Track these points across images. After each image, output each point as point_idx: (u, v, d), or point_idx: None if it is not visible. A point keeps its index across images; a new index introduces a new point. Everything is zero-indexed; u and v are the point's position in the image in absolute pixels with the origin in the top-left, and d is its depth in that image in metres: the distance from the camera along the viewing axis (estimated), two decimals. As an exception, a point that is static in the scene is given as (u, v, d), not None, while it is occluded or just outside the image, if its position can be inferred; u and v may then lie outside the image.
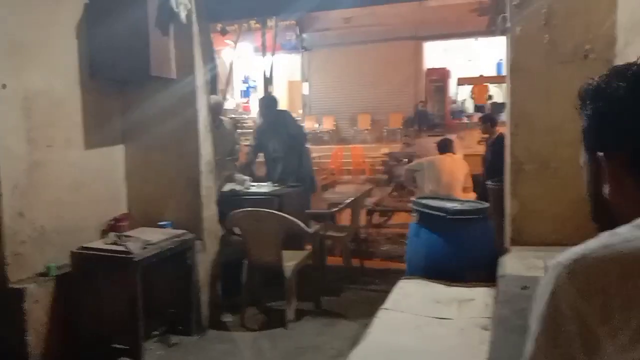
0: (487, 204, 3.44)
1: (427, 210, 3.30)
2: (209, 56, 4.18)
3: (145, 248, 3.14)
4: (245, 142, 6.76)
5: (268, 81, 7.19)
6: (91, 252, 3.13)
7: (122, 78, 3.61)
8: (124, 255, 3.04)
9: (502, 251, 3.08)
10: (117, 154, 3.77)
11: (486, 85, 15.92)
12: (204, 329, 3.67)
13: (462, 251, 3.09)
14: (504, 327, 1.93)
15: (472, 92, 15.57)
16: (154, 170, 3.76)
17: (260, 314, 4.02)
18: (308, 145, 5.87)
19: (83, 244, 3.21)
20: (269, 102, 5.44)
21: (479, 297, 2.54)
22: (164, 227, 3.56)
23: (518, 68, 3.15)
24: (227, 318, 3.90)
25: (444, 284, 2.72)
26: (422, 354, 1.95)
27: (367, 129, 16.02)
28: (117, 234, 3.28)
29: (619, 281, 0.64)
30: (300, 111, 16.33)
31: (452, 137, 9.60)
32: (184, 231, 3.50)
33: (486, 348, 1.99)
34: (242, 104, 15.52)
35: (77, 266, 3.12)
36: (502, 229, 3.34)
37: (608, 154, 0.77)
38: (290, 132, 5.12)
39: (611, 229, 0.73)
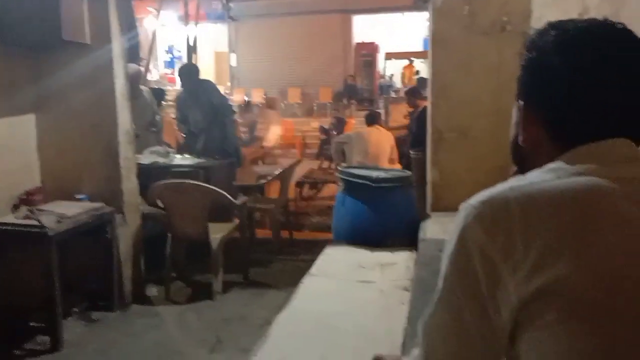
0: (410, 173, 3.54)
1: (353, 179, 3.35)
2: (129, 23, 3.98)
3: (60, 222, 2.98)
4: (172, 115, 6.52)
5: (192, 50, 6.93)
6: (2, 227, 2.94)
7: (33, 43, 3.35)
8: (37, 230, 2.88)
9: (424, 217, 3.20)
10: (28, 123, 3.52)
11: (413, 67, 16.24)
12: (127, 304, 3.56)
13: (385, 218, 3.17)
14: (422, 288, 2.00)
15: (403, 74, 15.86)
16: (69, 140, 3.56)
17: (186, 287, 3.96)
18: (235, 118, 5.74)
19: (-9, 219, 3.01)
20: (188, 70, 5.20)
21: (401, 260, 2.63)
22: (81, 201, 3.39)
23: (439, 39, 3.23)
24: (152, 292, 3.81)
25: (368, 250, 2.79)
26: (345, 316, 2.00)
27: (297, 103, 15.97)
28: (30, 207, 3.10)
29: (520, 219, 0.67)
30: (229, 83, 16.00)
31: (380, 110, 9.77)
32: (103, 204, 3.36)
33: (406, 307, 2.07)
34: (166, 74, 14.98)
35: (-14, 242, 2.93)
36: (425, 196, 3.46)
37: (527, 103, 0.80)
38: (213, 103, 4.90)
39: (524, 173, 0.77)
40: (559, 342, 0.64)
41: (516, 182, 0.72)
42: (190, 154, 4.72)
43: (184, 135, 5.24)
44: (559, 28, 0.78)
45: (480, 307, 0.69)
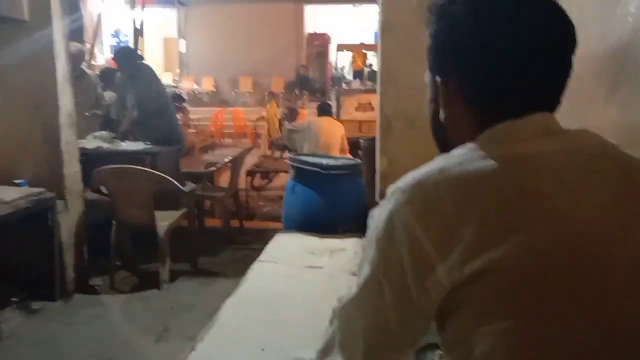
0: (359, 161, 3.57)
1: (303, 166, 3.35)
2: (73, 3, 3.80)
3: (-4, 207, 2.85)
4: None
5: (138, 34, 6.70)
6: None
7: (-36, 17, 3.17)
8: (-30, 216, 2.74)
9: (373, 205, 3.24)
10: (-40, 104, 3.34)
11: (365, 52, 16.38)
12: (70, 293, 3.44)
13: (336, 205, 3.19)
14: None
15: (352, 58, 15.94)
16: (7, 123, 3.39)
17: (132, 276, 3.86)
18: (180, 104, 5.57)
19: None
20: (125, 52, 4.99)
21: (350, 246, 2.65)
22: (20, 185, 3.24)
23: (388, 27, 3.25)
24: (96, 282, 3.69)
25: (318, 236, 2.80)
26: (292, 299, 2.00)
27: (248, 92, 15.81)
28: (-38, 193, 2.94)
29: (450, 204, 0.66)
30: (178, 70, 15.65)
31: (331, 102, 9.79)
32: (43, 189, 3.22)
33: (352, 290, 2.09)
34: (111, 59, 14.47)
35: None
36: (374, 184, 3.50)
37: (444, 78, 0.77)
38: (152, 87, 4.71)
39: (448, 150, 0.75)
40: (496, 323, 0.63)
41: (444, 163, 0.70)
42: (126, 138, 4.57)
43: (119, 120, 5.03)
44: None
45: (403, 289, 0.68)
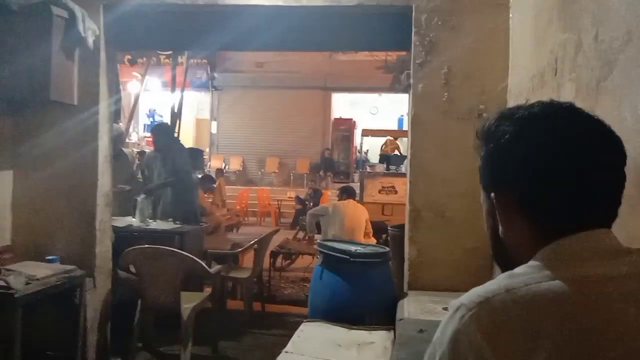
0: (387, 249, 3.55)
1: (331, 252, 3.34)
2: (115, 86, 4.04)
3: (28, 284, 2.87)
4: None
5: (176, 116, 7.04)
6: (-36, 286, 2.81)
7: (19, 101, 3.37)
8: (3, 291, 2.76)
9: (401, 295, 3.18)
10: (5, 180, 3.47)
11: (395, 142, 16.70)
12: (89, 374, 3.38)
13: (363, 294, 3.14)
14: (401, 370, 1.97)
15: (385, 143, 16.30)
16: (45, 200, 3.49)
17: (152, 358, 3.79)
18: (210, 185, 5.73)
19: (-45, 277, 2.88)
20: (160, 128, 5.24)
21: (379, 340, 2.58)
22: (52, 262, 3.29)
23: (418, 122, 3.35)
24: (116, 363, 3.63)
25: (345, 327, 2.74)
26: (322, 397, 1.94)
27: (274, 172, 16.14)
28: (-3, 267, 2.98)
29: (521, 327, 0.65)
30: (207, 149, 16.14)
31: (354, 184, 9.89)
32: (74, 267, 3.26)
33: (384, 390, 2.02)
34: (145, 137, 15.05)
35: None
36: (401, 273, 3.46)
37: (498, 194, 0.79)
38: (174, 163, 4.89)
39: (510, 266, 0.75)
40: None
41: (509, 281, 0.70)
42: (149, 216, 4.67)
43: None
44: (511, 117, 0.78)
45: None
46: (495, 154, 0.79)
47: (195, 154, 6.25)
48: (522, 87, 2.83)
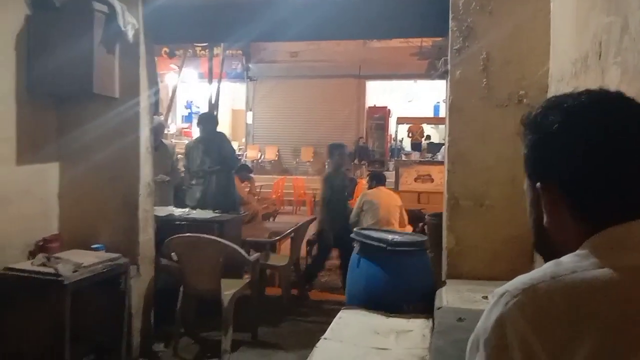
0: (425, 237, 3.53)
1: (367, 241, 3.35)
2: (153, 78, 4.13)
3: (76, 271, 2.99)
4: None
5: (213, 107, 7.14)
6: (17, 273, 2.95)
7: (63, 94, 3.49)
8: (53, 278, 2.88)
9: (439, 283, 3.17)
10: (51, 171, 3.60)
11: (421, 125, 16.57)
12: (135, 358, 3.50)
13: (400, 282, 3.15)
14: (440, 358, 1.97)
15: (409, 130, 16.15)
16: (90, 190, 3.62)
17: (194, 343, 3.89)
18: (247, 175, 5.84)
19: (8, 264, 3.02)
20: (208, 117, 5.38)
21: (417, 328, 2.59)
22: (97, 250, 3.41)
23: (456, 109, 3.30)
24: (159, 348, 3.75)
25: (383, 315, 2.75)
26: (361, 384, 1.96)
27: (309, 161, 16.20)
28: (47, 255, 3.11)
29: (567, 314, 0.65)
30: (243, 139, 16.32)
31: (389, 173, 9.82)
32: (118, 255, 3.37)
33: (423, 378, 2.02)
34: (182, 129, 15.32)
35: (1, 288, 2.92)
36: (440, 262, 3.44)
37: (544, 184, 0.78)
38: (221, 153, 5.08)
39: (553, 257, 0.74)
40: None
41: (555, 269, 0.69)
42: (187, 205, 4.79)
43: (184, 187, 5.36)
44: (559, 106, 0.77)
45: None
46: (542, 144, 0.78)
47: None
48: (564, 71, 2.75)
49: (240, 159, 5.99)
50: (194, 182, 4.98)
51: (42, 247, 3.33)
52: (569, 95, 0.79)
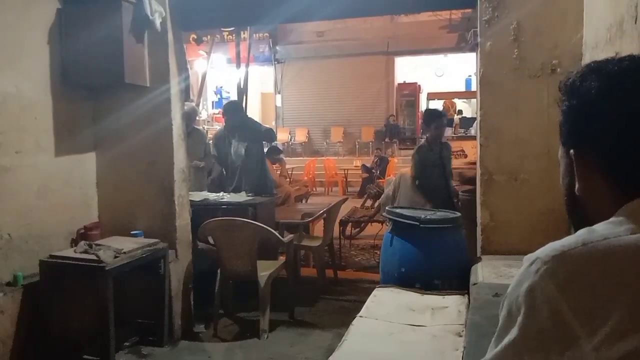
0: (458, 214, 3.50)
1: (400, 219, 3.34)
2: (183, 65, 4.17)
3: (117, 257, 3.09)
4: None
5: (242, 92, 7.18)
6: (61, 260, 3.06)
7: (95, 84, 3.57)
8: (95, 265, 2.99)
9: (474, 260, 3.15)
10: (88, 160, 3.71)
11: (453, 100, 16.29)
12: (176, 339, 3.61)
13: (434, 260, 3.13)
14: (476, 333, 1.96)
15: (444, 106, 15.88)
16: (126, 178, 3.71)
17: (233, 324, 3.98)
18: (278, 156, 5.89)
19: (52, 252, 3.15)
20: (235, 106, 5.41)
21: (452, 304, 2.58)
22: (136, 236, 3.51)
23: (488, 82, 3.23)
24: (200, 329, 3.85)
25: (418, 292, 2.76)
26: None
27: (339, 142, 16.16)
28: (88, 242, 3.22)
29: (598, 280, 0.64)
30: (273, 123, 16.38)
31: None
32: (157, 240, 3.46)
33: (459, 354, 2.03)
34: (213, 114, 15.46)
35: (46, 275, 3.05)
36: (474, 238, 3.41)
37: (578, 151, 0.77)
38: (261, 130, 5.22)
39: (584, 225, 0.73)
40: None
41: (587, 235, 0.68)
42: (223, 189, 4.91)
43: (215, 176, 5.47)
44: (599, 71, 0.75)
45: None
46: (578, 110, 0.76)
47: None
48: (598, 38, 2.66)
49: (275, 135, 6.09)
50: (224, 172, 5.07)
51: (84, 235, 3.45)
52: (610, 60, 0.76)
